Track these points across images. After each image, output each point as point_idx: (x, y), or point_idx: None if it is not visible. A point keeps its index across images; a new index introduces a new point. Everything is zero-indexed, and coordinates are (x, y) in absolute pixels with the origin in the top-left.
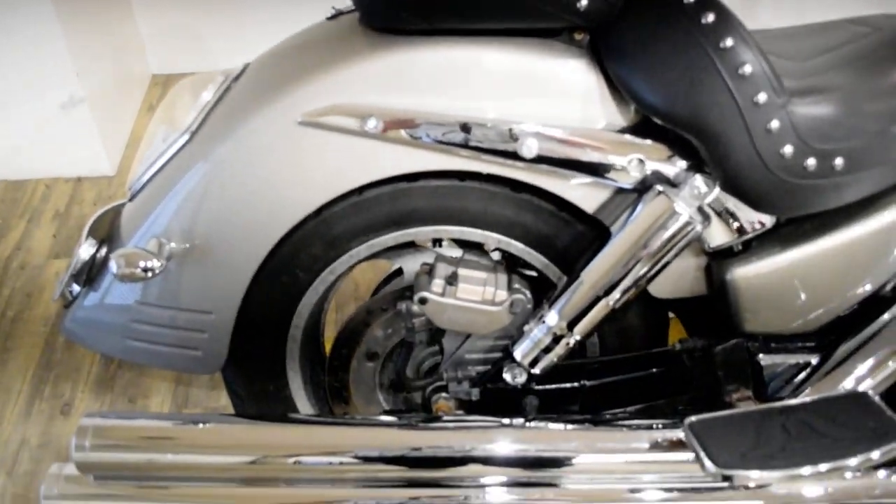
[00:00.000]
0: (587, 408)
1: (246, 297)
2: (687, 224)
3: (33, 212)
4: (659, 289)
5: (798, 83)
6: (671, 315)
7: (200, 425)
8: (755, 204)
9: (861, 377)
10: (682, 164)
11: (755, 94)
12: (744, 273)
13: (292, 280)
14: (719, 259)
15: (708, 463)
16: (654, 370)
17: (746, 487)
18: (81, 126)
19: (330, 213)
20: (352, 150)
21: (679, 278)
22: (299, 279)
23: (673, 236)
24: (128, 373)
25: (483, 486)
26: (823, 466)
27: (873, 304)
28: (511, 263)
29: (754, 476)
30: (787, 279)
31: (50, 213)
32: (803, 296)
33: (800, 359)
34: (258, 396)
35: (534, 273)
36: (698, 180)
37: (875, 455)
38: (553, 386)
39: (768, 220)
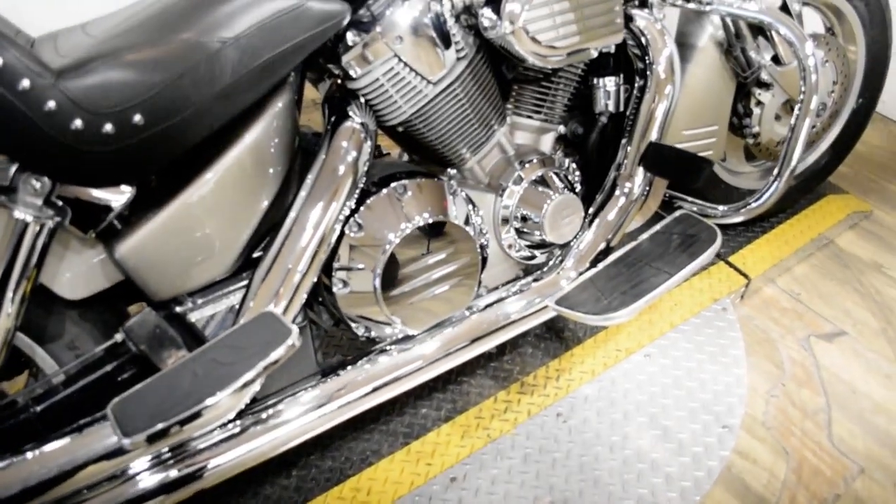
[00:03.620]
0: (55, 427)
1: None
2: (36, 222)
3: None
4: (74, 291)
5: (71, 60)
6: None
7: None
8: (93, 182)
9: (275, 295)
10: (11, 169)
11: (17, 84)
12: (132, 246)
13: None
14: (110, 241)
15: (122, 439)
16: (109, 366)
17: (150, 444)
18: None
19: None
20: None
21: (89, 275)
22: None
23: (32, 240)
24: None
25: None
26: (229, 390)
27: (265, 229)
28: None
29: (150, 434)
30: (175, 236)
31: None
32: (198, 245)
33: (231, 301)
34: None
35: None
36: (29, 179)
37: (270, 358)
38: (3, 424)
39: (126, 192)
